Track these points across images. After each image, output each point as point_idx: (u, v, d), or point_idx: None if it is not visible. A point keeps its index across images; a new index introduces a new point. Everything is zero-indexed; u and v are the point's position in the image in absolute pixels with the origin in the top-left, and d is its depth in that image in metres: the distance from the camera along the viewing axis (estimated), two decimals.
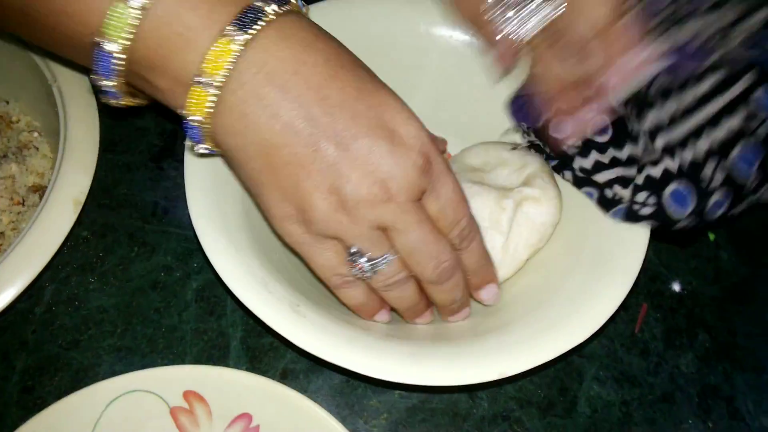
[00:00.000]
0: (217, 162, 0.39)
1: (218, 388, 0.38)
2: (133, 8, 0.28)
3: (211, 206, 0.37)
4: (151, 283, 0.43)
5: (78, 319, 0.41)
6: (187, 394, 0.38)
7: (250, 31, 0.29)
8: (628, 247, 0.39)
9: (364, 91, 0.32)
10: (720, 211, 0.37)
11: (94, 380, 0.38)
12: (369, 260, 0.33)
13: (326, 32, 0.33)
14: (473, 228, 0.36)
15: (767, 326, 0.46)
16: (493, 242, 0.40)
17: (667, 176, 0.38)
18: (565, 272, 0.40)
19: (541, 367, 0.35)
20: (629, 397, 0.42)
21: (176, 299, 0.42)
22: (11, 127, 0.44)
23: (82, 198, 0.37)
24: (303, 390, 0.40)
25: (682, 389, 0.43)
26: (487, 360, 0.35)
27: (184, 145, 0.48)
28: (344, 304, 0.37)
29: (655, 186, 0.38)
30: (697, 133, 0.38)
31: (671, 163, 0.38)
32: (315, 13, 0.45)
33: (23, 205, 0.41)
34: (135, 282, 0.43)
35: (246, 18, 0.29)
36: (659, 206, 0.38)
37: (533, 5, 0.37)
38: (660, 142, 0.38)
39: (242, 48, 0.29)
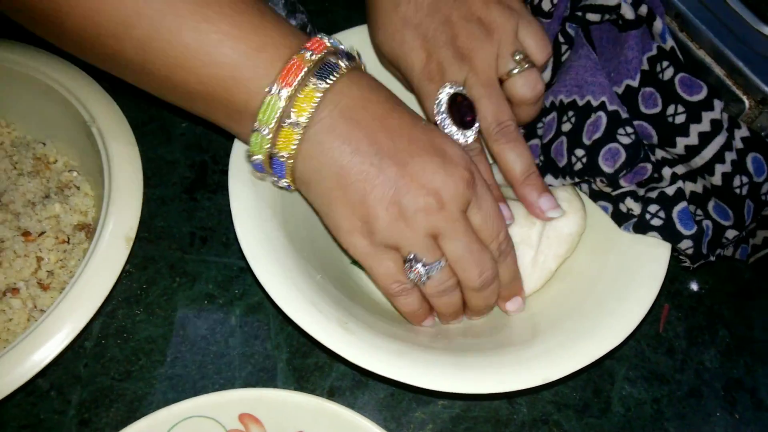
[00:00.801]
0: (260, 191, 0.41)
1: (271, 408, 0.39)
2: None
3: (258, 232, 0.39)
4: (195, 311, 0.44)
5: (128, 351, 0.43)
6: (243, 417, 0.39)
7: (328, 80, 0.35)
8: (653, 252, 0.41)
9: (417, 120, 0.38)
10: (705, 240, 0.41)
11: (149, 410, 0.40)
12: (424, 265, 0.37)
13: (381, 83, 0.39)
14: (509, 242, 0.40)
15: None
16: (524, 256, 0.42)
17: (680, 195, 0.40)
18: (593, 279, 0.42)
19: (578, 371, 0.37)
20: (659, 395, 0.44)
21: (221, 326, 0.44)
22: (49, 167, 0.45)
23: (133, 234, 0.39)
24: (350, 406, 0.41)
25: (707, 384, 0.45)
26: (528, 367, 0.37)
27: (214, 176, 0.50)
28: (399, 311, 0.40)
29: (666, 202, 0.40)
30: (693, 174, 0.42)
31: (683, 186, 0.41)
32: (351, 35, 0.47)
33: (68, 243, 0.43)
34: (180, 311, 0.44)
35: (325, 71, 0.35)
36: (668, 220, 0.40)
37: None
38: (667, 172, 0.41)
39: (322, 94, 0.35)
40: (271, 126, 0.35)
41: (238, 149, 0.42)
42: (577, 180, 0.42)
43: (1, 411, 0.40)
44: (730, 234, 0.41)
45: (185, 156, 0.51)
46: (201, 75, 0.35)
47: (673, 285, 0.49)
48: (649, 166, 0.41)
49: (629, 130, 0.40)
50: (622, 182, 0.41)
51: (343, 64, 0.36)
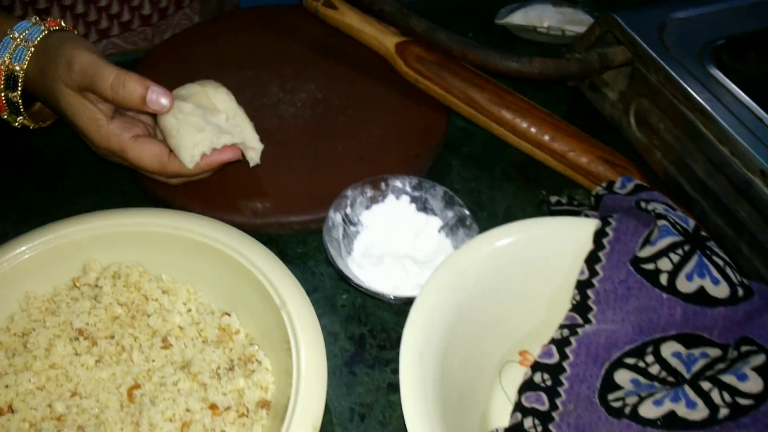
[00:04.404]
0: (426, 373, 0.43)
1: None
2: None
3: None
4: None
5: None
6: None
7: None
8: None
9: None
10: None
11: None
12: None
13: None
14: None
15: None
16: None
17: None
18: None
19: None
20: None
21: None
22: (232, 338, 0.49)
23: (318, 423, 0.42)
24: None
25: None
26: None
27: (372, 350, 0.53)
28: None
29: None
30: None
31: None
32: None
33: (247, 416, 0.46)
34: None
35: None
36: None
37: None
38: None
39: None
40: None
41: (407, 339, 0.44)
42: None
43: None
44: None
45: (345, 328, 0.54)
46: None
47: None
48: None
49: None
50: None
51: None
